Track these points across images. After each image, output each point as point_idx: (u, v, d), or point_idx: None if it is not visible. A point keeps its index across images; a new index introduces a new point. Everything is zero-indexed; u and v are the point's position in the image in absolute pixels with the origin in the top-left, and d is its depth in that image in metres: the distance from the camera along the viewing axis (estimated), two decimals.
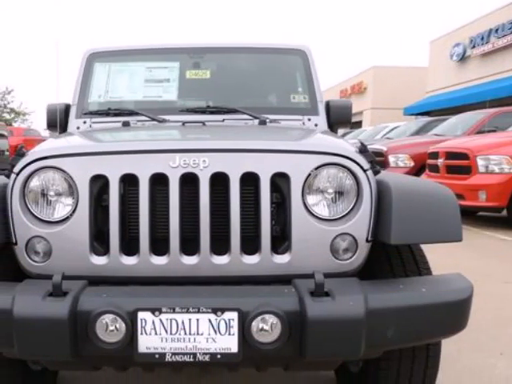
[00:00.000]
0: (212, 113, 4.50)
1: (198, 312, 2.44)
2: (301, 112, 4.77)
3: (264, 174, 2.72)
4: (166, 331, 2.44)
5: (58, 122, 4.72)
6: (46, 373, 3.64)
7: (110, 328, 2.41)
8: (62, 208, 2.79)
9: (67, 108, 4.88)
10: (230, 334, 2.44)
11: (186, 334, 2.45)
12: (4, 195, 2.79)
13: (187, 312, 2.44)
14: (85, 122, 4.68)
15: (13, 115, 57.83)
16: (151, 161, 2.74)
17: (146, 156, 2.76)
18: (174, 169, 2.70)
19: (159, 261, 2.74)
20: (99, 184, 2.77)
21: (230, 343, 2.45)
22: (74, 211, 2.75)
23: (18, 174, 2.76)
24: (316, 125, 4.67)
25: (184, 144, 2.92)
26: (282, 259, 2.76)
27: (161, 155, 2.74)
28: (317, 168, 2.77)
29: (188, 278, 2.76)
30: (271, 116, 4.45)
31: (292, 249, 2.75)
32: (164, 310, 2.44)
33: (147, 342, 2.45)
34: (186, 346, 2.45)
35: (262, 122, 4.16)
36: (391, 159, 15.15)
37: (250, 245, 2.78)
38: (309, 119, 4.70)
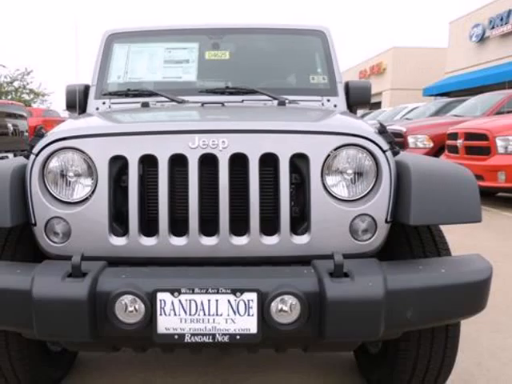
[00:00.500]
0: (231, 94, 4.50)
1: (218, 293, 2.44)
2: (320, 93, 4.76)
3: (283, 154, 2.72)
4: (185, 312, 2.45)
5: (78, 102, 4.73)
6: (65, 354, 3.67)
7: (129, 309, 2.42)
8: (81, 189, 2.79)
9: (86, 89, 4.89)
10: (249, 315, 2.45)
11: (205, 314, 2.45)
12: (23, 176, 2.79)
13: (206, 293, 2.44)
14: (104, 103, 4.70)
15: (32, 96, 57.84)
16: (170, 142, 2.73)
17: (165, 137, 2.75)
18: (193, 149, 2.70)
19: (178, 242, 2.74)
20: (118, 165, 2.77)
21: (249, 324, 2.45)
22: (93, 192, 2.75)
23: (37, 155, 2.77)
24: (335, 106, 4.66)
25: (203, 125, 2.91)
26: (301, 240, 2.76)
27: (180, 136, 2.74)
28: (336, 149, 2.76)
29: (207, 258, 2.76)
30: (290, 97, 4.45)
31: (311, 230, 2.75)
32: (183, 290, 2.44)
33: (166, 323, 2.46)
34: (205, 326, 2.46)
35: (281, 103, 4.15)
36: (410, 140, 15.09)
37: (269, 226, 2.78)
38: (328, 100, 4.69)
